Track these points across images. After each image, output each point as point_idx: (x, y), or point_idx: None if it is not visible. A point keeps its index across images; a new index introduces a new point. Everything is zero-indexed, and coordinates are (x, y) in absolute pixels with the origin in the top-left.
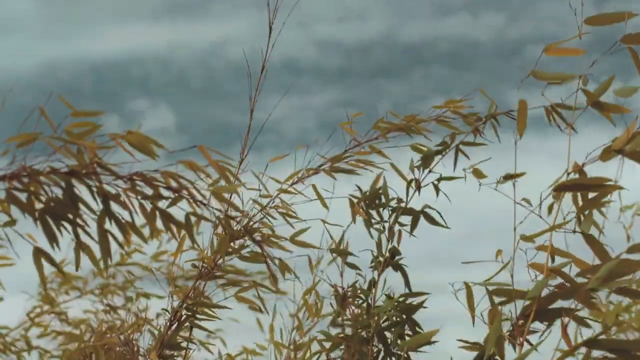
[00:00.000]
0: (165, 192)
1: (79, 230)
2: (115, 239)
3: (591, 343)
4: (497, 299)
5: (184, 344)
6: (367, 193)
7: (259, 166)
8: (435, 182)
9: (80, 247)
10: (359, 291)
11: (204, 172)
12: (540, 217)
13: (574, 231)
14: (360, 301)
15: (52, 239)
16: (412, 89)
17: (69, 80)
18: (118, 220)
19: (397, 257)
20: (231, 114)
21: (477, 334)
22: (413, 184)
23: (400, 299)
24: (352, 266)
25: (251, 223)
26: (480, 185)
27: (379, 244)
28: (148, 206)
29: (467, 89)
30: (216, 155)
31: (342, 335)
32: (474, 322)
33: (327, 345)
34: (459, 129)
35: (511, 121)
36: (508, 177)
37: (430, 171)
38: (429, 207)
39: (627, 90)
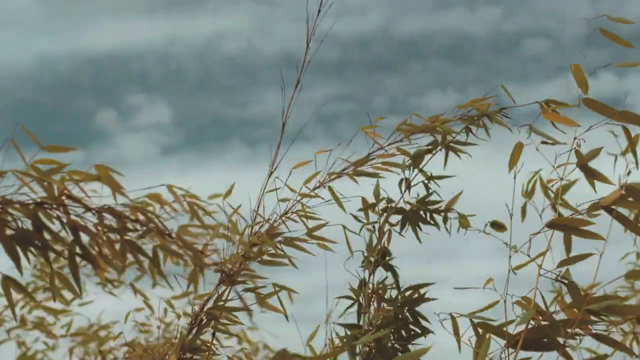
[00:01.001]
0: (133, 225)
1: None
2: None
3: None
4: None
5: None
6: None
7: (248, 159)
8: (426, 181)
9: (53, 278)
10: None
11: (171, 207)
12: (529, 256)
13: (557, 279)
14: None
15: (19, 266)
16: (409, 83)
17: (66, 74)
18: (88, 252)
19: (387, 257)
20: (228, 107)
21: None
22: (403, 184)
23: (406, 293)
24: (388, 267)
25: (273, 228)
26: (465, 232)
27: (369, 244)
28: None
29: (465, 83)
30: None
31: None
32: (460, 350)
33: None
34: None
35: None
36: (495, 224)
37: (420, 170)
38: (419, 206)
39: None
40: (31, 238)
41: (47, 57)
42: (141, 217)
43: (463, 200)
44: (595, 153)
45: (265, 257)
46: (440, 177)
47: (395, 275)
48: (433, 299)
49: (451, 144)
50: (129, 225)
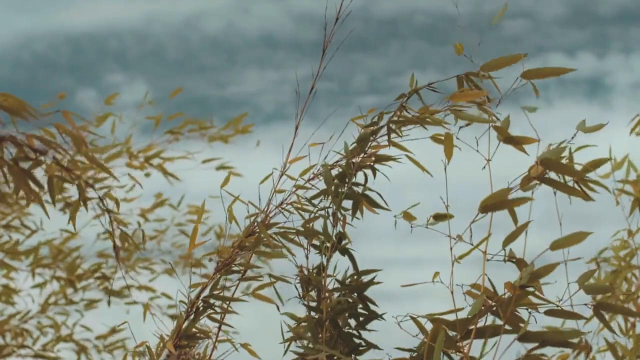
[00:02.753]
0: (32, 155)
1: None
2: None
3: (525, 337)
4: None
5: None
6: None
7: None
8: (371, 164)
9: None
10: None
11: (70, 134)
12: (469, 243)
13: (505, 260)
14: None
15: None
16: (388, 62)
17: (45, 52)
18: None
19: (343, 242)
20: (206, 86)
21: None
22: (352, 167)
23: (349, 279)
24: (344, 251)
25: (268, 219)
26: (412, 227)
27: (324, 230)
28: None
29: (445, 63)
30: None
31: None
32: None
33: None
34: (477, 118)
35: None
36: (438, 217)
37: (365, 153)
38: (370, 190)
39: (592, 128)
40: None
41: (26, 35)
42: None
43: (441, 177)
44: (507, 122)
45: (262, 247)
46: (389, 159)
47: (352, 259)
48: (380, 282)
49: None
50: (30, 155)
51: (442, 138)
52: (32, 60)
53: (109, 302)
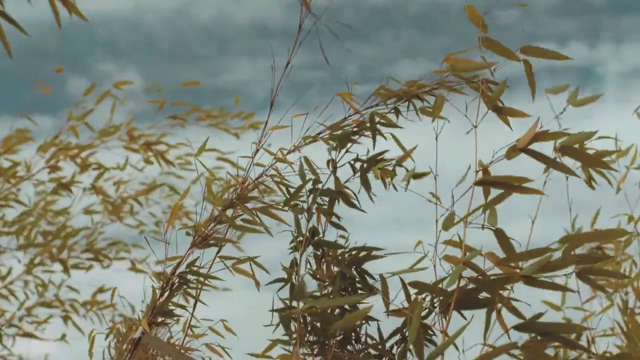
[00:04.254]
0: None
1: None
2: None
3: (522, 326)
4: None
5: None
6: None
7: None
8: (352, 162)
9: None
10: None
11: None
12: (455, 213)
13: (483, 227)
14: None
15: None
16: (381, 51)
17: (34, 41)
18: None
19: (317, 237)
20: (199, 76)
21: None
22: (330, 165)
23: (350, 253)
24: (337, 226)
25: (245, 191)
26: (389, 184)
27: (297, 224)
28: None
29: (437, 52)
30: None
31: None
32: (388, 315)
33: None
34: (462, 92)
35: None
36: (415, 175)
37: (347, 151)
38: (347, 188)
39: (582, 101)
40: None
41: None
42: None
43: (428, 164)
44: (501, 87)
45: (238, 221)
46: (367, 161)
47: (333, 244)
48: (381, 256)
49: (377, 126)
50: None
51: (431, 110)
52: (21, 48)
53: (98, 261)
